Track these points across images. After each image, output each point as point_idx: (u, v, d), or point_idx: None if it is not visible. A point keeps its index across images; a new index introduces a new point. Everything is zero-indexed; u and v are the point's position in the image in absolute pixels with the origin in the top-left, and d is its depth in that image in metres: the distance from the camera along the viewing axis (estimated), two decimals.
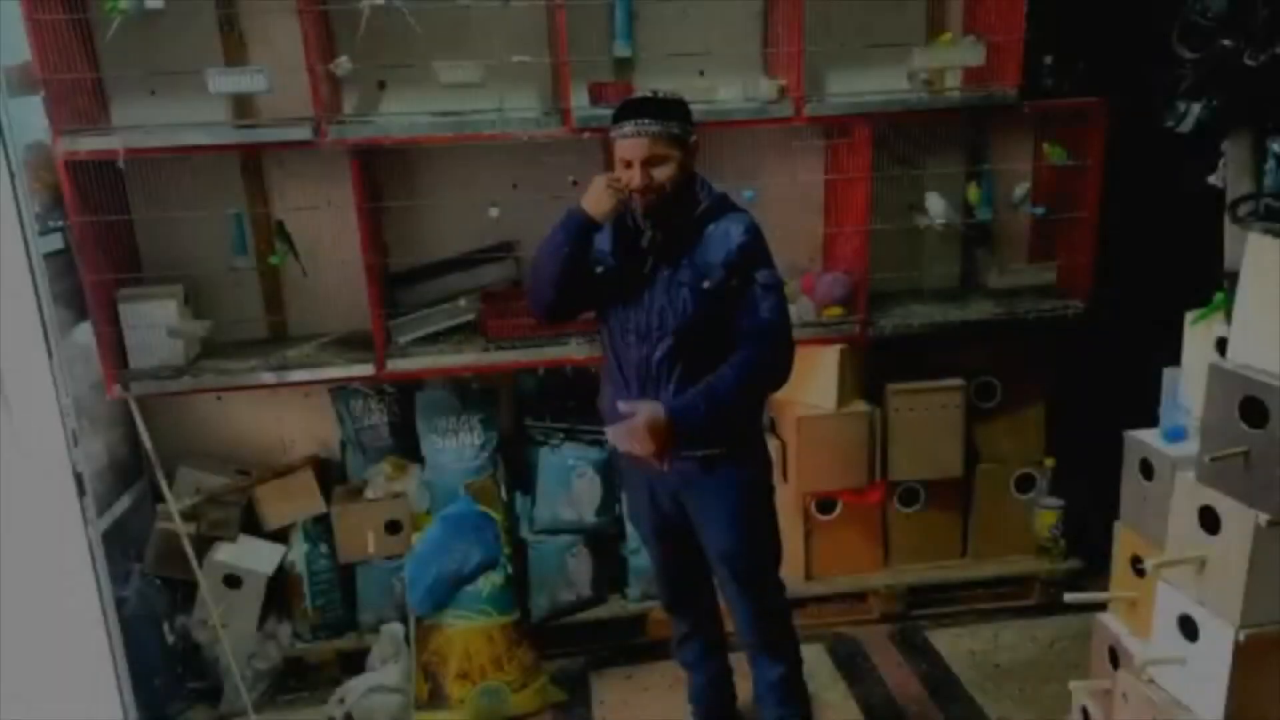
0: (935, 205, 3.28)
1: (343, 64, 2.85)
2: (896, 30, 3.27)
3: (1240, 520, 1.80)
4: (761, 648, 2.53)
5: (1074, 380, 3.50)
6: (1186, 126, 2.05)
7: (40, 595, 2.41)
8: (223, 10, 3.00)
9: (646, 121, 2.15)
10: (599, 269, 2.32)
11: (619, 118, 2.20)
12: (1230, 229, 2.04)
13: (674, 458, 2.31)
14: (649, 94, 2.23)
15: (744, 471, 2.37)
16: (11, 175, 2.29)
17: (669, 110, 2.18)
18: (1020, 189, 3.36)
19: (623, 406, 2.25)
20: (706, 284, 2.21)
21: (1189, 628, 1.94)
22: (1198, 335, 2.13)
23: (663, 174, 2.18)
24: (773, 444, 3.23)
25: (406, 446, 3.31)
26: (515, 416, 3.44)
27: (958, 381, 3.36)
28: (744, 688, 2.76)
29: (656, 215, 2.24)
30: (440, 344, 3.11)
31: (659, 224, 2.26)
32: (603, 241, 2.32)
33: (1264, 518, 1.76)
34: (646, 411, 2.19)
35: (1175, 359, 2.17)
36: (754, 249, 2.24)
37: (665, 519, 2.46)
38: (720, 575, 2.48)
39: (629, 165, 2.19)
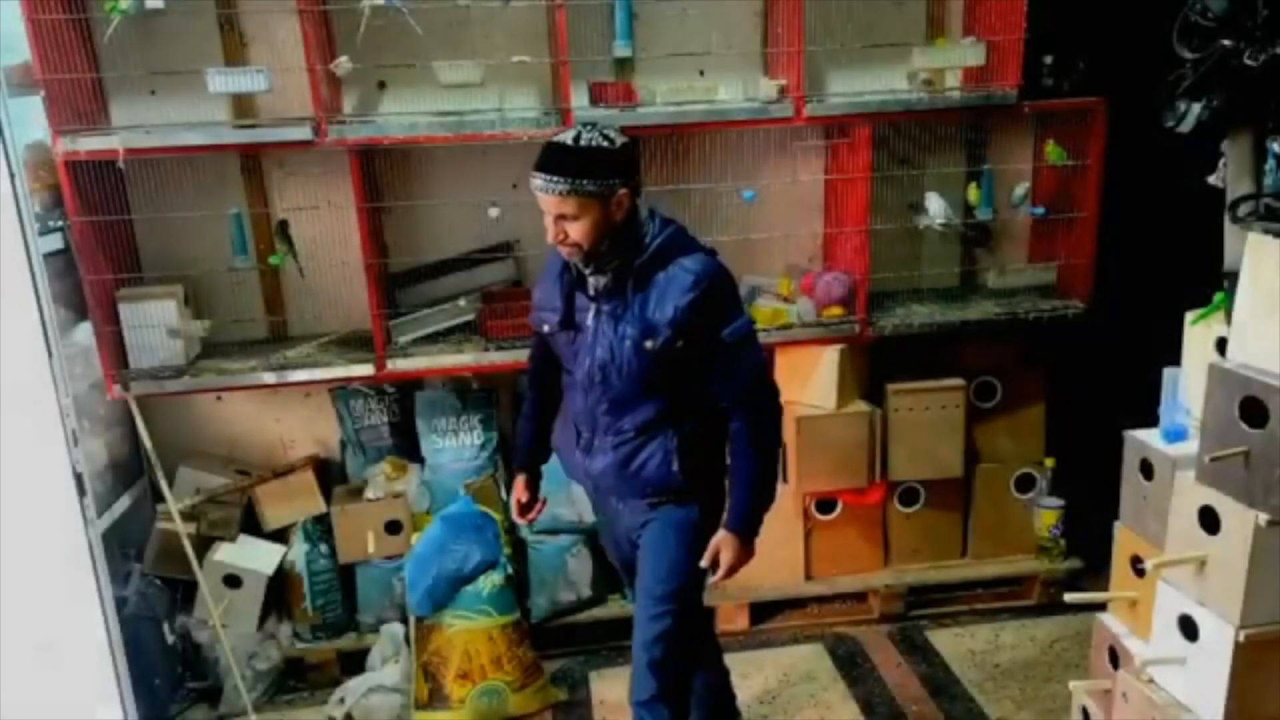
0: (935, 205, 3.28)
1: (343, 64, 2.85)
2: (896, 30, 3.27)
3: (1240, 520, 1.80)
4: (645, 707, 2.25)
5: (1074, 380, 3.50)
6: (1186, 126, 2.04)
7: (40, 595, 2.41)
8: (223, 10, 3.00)
9: (555, 179, 1.96)
10: (544, 328, 2.23)
11: (535, 164, 2.01)
12: (1230, 229, 2.04)
13: (627, 499, 2.27)
14: (569, 142, 2.00)
15: (684, 511, 2.23)
16: (11, 175, 2.28)
17: (585, 164, 1.97)
18: (1020, 189, 3.36)
19: (704, 564, 2.19)
20: (649, 344, 2.06)
21: (1189, 628, 1.93)
22: (1198, 335, 2.12)
23: (577, 231, 2.00)
24: None
25: (406, 446, 3.31)
26: (515, 416, 3.43)
27: (958, 381, 3.36)
28: (744, 687, 2.76)
29: (593, 264, 2.07)
30: (440, 344, 3.11)
31: (598, 271, 2.09)
32: (551, 293, 2.22)
33: (1264, 518, 1.76)
34: (727, 558, 2.17)
35: (1175, 359, 2.17)
36: (705, 306, 2.06)
37: (629, 556, 2.41)
38: (639, 614, 2.28)
39: (548, 214, 2.04)
